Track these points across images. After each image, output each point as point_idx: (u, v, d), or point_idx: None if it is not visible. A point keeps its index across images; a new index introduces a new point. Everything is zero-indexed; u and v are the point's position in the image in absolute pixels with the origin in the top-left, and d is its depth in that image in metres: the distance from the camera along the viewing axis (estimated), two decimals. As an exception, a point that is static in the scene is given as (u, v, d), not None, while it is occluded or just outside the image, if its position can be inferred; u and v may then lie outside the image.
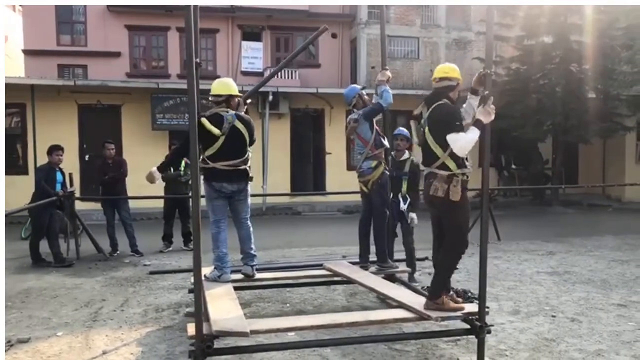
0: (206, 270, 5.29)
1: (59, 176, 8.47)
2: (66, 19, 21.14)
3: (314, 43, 22.89)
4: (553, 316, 5.56)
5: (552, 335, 4.97)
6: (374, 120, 6.04)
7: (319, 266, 6.11)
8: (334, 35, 22.48)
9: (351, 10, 22.33)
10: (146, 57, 21.84)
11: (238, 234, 5.53)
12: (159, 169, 5.41)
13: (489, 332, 4.26)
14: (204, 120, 5.03)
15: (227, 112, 5.18)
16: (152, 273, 7.70)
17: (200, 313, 3.73)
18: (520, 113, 15.33)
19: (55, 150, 8.48)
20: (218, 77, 21.69)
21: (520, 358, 4.43)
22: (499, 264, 8.12)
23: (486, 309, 4.27)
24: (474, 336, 4.25)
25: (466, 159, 4.34)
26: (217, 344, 3.91)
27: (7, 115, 14.53)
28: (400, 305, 4.42)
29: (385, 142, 6.11)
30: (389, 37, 22.09)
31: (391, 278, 5.93)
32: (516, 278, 7.25)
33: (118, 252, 9.22)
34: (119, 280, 7.36)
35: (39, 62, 19.98)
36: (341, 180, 14.74)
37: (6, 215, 7.36)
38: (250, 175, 5.36)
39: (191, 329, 3.76)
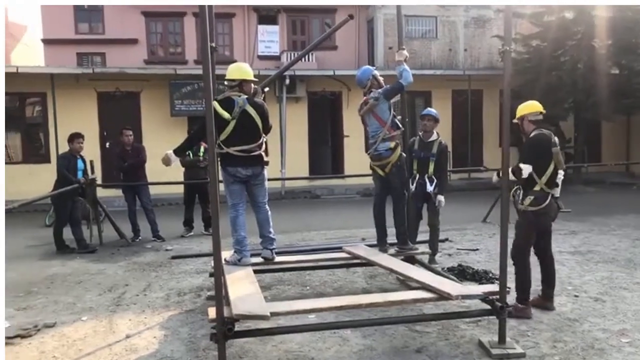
0: (226, 254, 5.32)
1: (80, 164, 8.56)
2: (83, 7, 21.23)
3: (331, 25, 22.73)
4: (576, 296, 5.50)
5: (575, 315, 4.92)
6: (391, 101, 5.98)
7: (338, 249, 6.11)
8: (350, 17, 22.16)
9: (367, -10, 22.06)
10: (163, 44, 21.88)
11: (256, 218, 5.55)
12: (175, 152, 5.42)
13: (510, 313, 4.23)
14: (215, 104, 5.02)
15: (239, 96, 5.16)
16: (173, 258, 7.79)
17: (220, 297, 3.75)
18: (540, 91, 15.07)
19: (76, 137, 8.57)
20: (234, 61, 21.62)
21: (543, 338, 4.40)
22: (520, 244, 8.04)
23: (507, 289, 4.24)
24: (494, 317, 4.23)
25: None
26: (238, 326, 3.95)
27: (28, 104, 14.71)
28: (421, 286, 4.40)
29: (400, 124, 6.04)
30: (405, 17, 21.82)
31: (410, 260, 5.92)
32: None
33: (140, 237, 9.33)
34: (141, 265, 7.46)
35: (57, 51, 20.15)
36: (360, 162, 14.52)
37: (29, 203, 7.49)
38: (266, 159, 5.35)
39: (212, 312, 3.79)
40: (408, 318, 4.51)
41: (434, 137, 6.87)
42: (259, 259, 5.54)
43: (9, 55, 23.49)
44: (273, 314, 3.82)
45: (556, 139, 5.13)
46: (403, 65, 5.95)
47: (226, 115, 5.04)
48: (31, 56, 23.04)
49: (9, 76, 13.65)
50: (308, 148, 15.79)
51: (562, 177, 5.10)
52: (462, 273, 6.29)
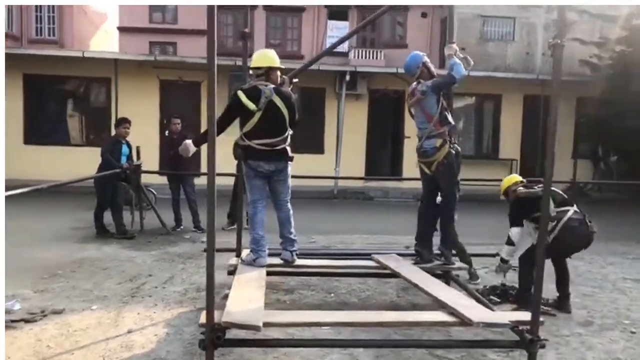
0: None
1: (125, 149, 8.53)
2: (158, -5, 21.72)
3: (402, 23, 22.13)
4: (632, 332, 4.81)
5: (627, 355, 4.26)
6: (441, 94, 5.44)
7: (368, 257, 5.65)
8: (423, 15, 21.60)
9: (443, -12, 21.30)
10: (231, 35, 22.00)
11: (277, 216, 5.20)
12: (195, 143, 5.09)
13: (542, 346, 3.66)
14: (240, 94, 4.71)
15: (266, 85, 4.81)
16: (206, 250, 7.56)
17: (211, 301, 3.44)
18: (623, 99, 13.88)
19: (122, 123, 8.55)
20: (302, 56, 21.51)
21: (583, 380, 3.80)
22: (579, 267, 7.27)
23: (541, 320, 3.67)
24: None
25: None
26: (236, 334, 3.63)
27: (93, 89, 15.08)
28: (443, 306, 3.90)
29: (451, 119, 5.52)
30: (482, 17, 20.91)
31: (448, 274, 5.42)
32: (596, 283, 6.45)
33: (182, 227, 9.23)
34: (172, 255, 7.30)
35: (131, 39, 20.68)
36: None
37: (69, 183, 7.47)
38: (291, 155, 4.98)
39: (203, 317, 3.48)
40: (424, 342, 4.02)
41: None
42: (278, 260, 5.19)
43: (88, 41, 24.43)
44: (266, 325, 3.45)
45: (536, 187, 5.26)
46: (453, 58, 5.42)
47: (252, 106, 4.70)
48: (109, 43, 23.82)
49: (76, 60, 14.05)
50: (366, 147, 15.30)
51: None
52: (504, 294, 5.68)
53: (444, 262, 5.45)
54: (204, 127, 13.72)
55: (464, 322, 3.58)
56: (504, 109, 15.58)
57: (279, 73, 5.03)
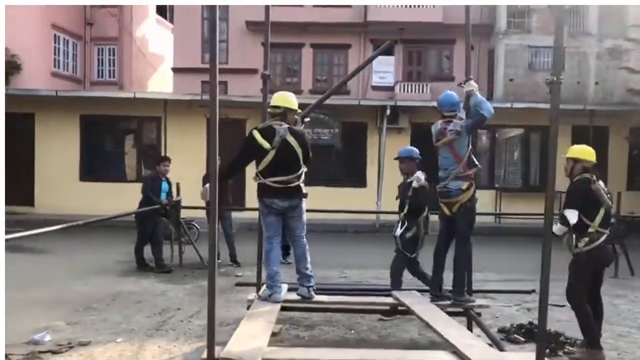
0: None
1: (164, 185, 8.88)
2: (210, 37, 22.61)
3: (449, 56, 22.13)
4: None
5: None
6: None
7: (388, 292, 5.64)
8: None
9: (489, 20, 21.23)
10: (280, 73, 22.58)
11: (294, 252, 5.29)
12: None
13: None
14: (255, 133, 4.89)
15: (281, 125, 4.96)
16: (238, 285, 7.71)
17: (212, 336, 3.55)
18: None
19: (162, 161, 8.94)
20: (348, 92, 21.79)
21: None
22: (619, 305, 6.98)
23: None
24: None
25: None
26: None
27: (145, 127, 15.76)
28: (451, 348, 3.85)
29: (477, 161, 5.50)
30: (530, 48, 20.68)
31: (468, 312, 5.32)
32: (634, 323, 6.16)
33: (219, 261, 9.43)
34: (204, 289, 7.44)
35: (184, 79, 21.55)
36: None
37: (112, 218, 7.83)
38: (305, 192, 5.08)
39: (206, 352, 3.58)
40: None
41: (414, 176, 6.34)
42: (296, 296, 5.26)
43: (146, 82, 25.65)
44: (265, 361, 3.52)
45: (601, 182, 5.02)
46: (477, 95, 5.41)
47: (266, 145, 4.86)
48: (165, 84, 24.90)
49: (129, 101, 14.80)
50: (409, 181, 15.25)
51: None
52: (529, 333, 5.52)
53: (465, 299, 5.36)
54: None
55: (464, 361, 3.52)
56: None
57: (296, 117, 5.18)
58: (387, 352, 4.02)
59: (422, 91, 20.55)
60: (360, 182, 15.31)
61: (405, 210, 6.28)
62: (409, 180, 6.37)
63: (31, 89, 16.19)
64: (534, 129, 15.85)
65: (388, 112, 14.44)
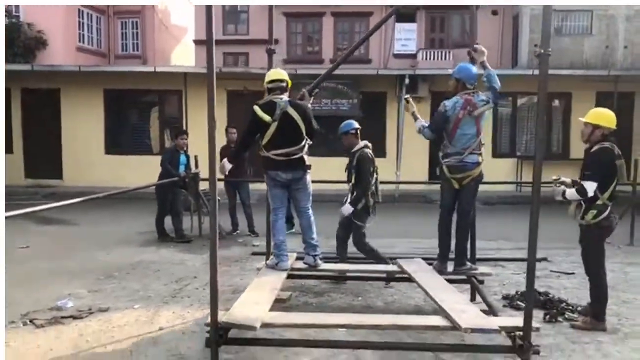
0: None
1: (183, 158, 9.11)
2: (232, 8, 22.62)
3: (472, 21, 21.67)
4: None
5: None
6: None
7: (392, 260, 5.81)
8: (494, 12, 21.09)
9: (514, -15, 20.73)
10: (301, 43, 22.52)
11: (300, 222, 5.47)
12: (230, 160, 5.50)
13: (536, 352, 3.68)
14: (256, 108, 5.04)
15: (281, 98, 5.09)
16: (254, 254, 7.97)
17: (215, 302, 3.75)
18: None
19: (180, 134, 9.16)
20: (370, 60, 21.59)
21: (585, 387, 3.78)
22: (630, 272, 7.01)
23: (535, 327, 3.69)
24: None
25: None
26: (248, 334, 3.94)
27: (166, 101, 16.01)
28: (444, 313, 4.00)
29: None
30: (556, 12, 20.10)
31: (471, 280, 5.47)
32: (641, 290, 6.19)
33: (238, 231, 9.71)
34: (221, 259, 7.51)
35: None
36: (485, 169, 13.88)
37: (132, 190, 8.11)
38: (308, 163, 5.22)
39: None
40: (419, 345, 4.13)
41: (358, 146, 6.32)
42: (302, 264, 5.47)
43: (169, 55, 25.86)
44: (264, 325, 3.73)
45: (618, 151, 4.82)
46: (489, 67, 5.42)
47: (267, 118, 5.01)
48: (188, 56, 25.07)
49: (150, 75, 15.03)
50: (429, 150, 15.22)
51: None
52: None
53: (468, 267, 5.48)
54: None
55: (454, 326, 3.67)
56: (574, 107, 14.95)
57: (303, 90, 5.31)
58: (380, 316, 4.21)
59: (445, 58, 20.31)
60: (380, 152, 15.30)
61: (353, 181, 6.26)
62: (355, 149, 6.34)
63: (55, 64, 16.54)
64: (557, 96, 15.61)
65: (407, 81, 14.36)
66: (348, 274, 5.94)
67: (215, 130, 3.81)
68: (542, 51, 3.54)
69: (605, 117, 4.90)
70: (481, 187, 12.66)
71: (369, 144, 6.39)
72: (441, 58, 20.55)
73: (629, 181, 9.37)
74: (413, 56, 21.25)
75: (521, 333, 3.63)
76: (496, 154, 15.55)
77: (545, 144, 15.56)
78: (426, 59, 20.64)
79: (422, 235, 9.75)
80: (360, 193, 6.19)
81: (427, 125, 5.54)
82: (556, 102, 15.74)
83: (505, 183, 13.44)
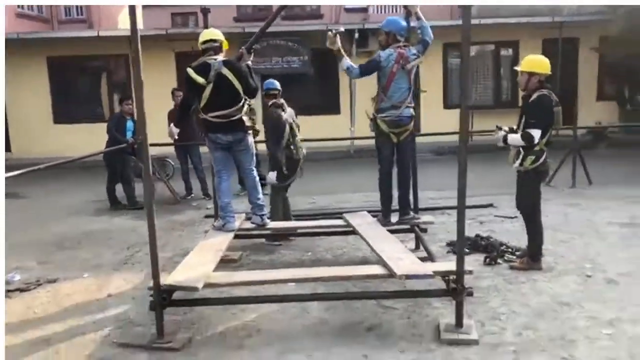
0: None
1: (129, 124, 8.96)
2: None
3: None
4: (588, 276, 4.92)
5: (571, 299, 4.41)
6: None
7: (339, 216, 5.93)
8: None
9: None
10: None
11: (245, 184, 5.51)
12: (175, 124, 5.53)
13: (470, 294, 3.87)
14: (189, 70, 5.00)
15: (215, 59, 5.04)
16: (207, 217, 8.00)
17: (156, 265, 3.80)
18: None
19: (125, 100, 9.00)
20: (321, 16, 21.19)
21: (515, 324, 4.00)
22: (570, 213, 7.32)
23: (467, 271, 3.86)
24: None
25: None
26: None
27: (113, 66, 15.59)
28: (382, 262, 4.14)
29: None
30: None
31: (413, 230, 5.67)
32: (578, 230, 6.48)
33: (192, 195, 9.69)
34: (174, 223, 7.75)
35: (152, 13, 21.00)
36: (437, 119, 14.06)
37: (77, 160, 7.97)
38: (248, 124, 5.22)
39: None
40: (361, 295, 4.31)
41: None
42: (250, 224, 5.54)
43: (117, 17, 24.98)
44: (207, 286, 3.80)
45: (556, 98, 4.96)
46: (423, 18, 5.48)
47: (200, 80, 4.96)
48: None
49: (93, 40, 14.56)
50: (382, 105, 15.33)
51: None
52: (474, 244, 5.86)
53: (410, 217, 5.65)
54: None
55: (390, 274, 3.82)
56: (522, 55, 15.14)
57: (243, 48, 5.23)
58: (322, 269, 4.34)
59: (397, 11, 20.16)
60: (334, 109, 15.37)
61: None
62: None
63: (-6, 32, 15.81)
64: (505, 45, 15.79)
65: (356, 35, 14.27)
66: (300, 231, 6.03)
67: (142, 93, 3.74)
68: (467, 5, 3.58)
69: (539, 64, 5.01)
70: (432, 138, 12.90)
71: (281, 103, 6.32)
72: (393, 11, 20.39)
73: (571, 127, 9.69)
74: (365, 10, 21.06)
75: (455, 277, 3.78)
76: (447, 105, 15.76)
77: (495, 92, 15.89)
78: (378, 12, 20.49)
79: (376, 188, 9.93)
80: (273, 153, 6.18)
81: (355, 66, 5.50)
82: (509, 51, 15.91)
83: (455, 133, 13.62)
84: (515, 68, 5.26)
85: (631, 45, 12.64)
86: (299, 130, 6.35)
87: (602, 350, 3.55)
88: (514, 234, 6.33)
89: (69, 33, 15.54)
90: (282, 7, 5.38)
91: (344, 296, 4.17)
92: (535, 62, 5.03)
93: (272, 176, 6.18)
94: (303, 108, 14.91)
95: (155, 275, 3.78)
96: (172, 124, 5.55)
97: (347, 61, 5.45)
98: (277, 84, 6.42)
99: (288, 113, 6.26)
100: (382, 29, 5.53)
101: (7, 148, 15.09)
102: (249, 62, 5.34)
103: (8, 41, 14.33)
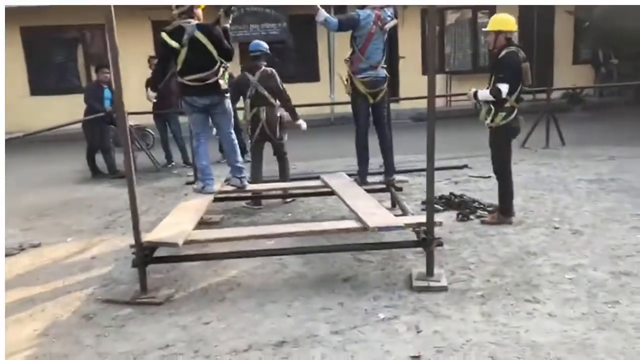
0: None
1: (107, 93, 8.93)
2: None
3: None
4: (556, 228, 5.14)
5: (537, 249, 4.62)
6: None
7: (317, 178, 6.07)
8: None
9: None
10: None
11: (223, 147, 5.61)
12: (152, 88, 5.60)
13: (439, 244, 4.05)
14: (163, 35, 5.04)
15: (189, 23, 5.08)
16: (187, 183, 8.08)
17: (137, 224, 3.91)
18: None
19: (100, 68, 8.96)
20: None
21: (483, 272, 4.20)
22: (541, 172, 7.54)
23: (438, 221, 4.04)
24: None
25: None
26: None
27: (90, 36, 15.38)
28: (356, 217, 4.30)
29: None
30: None
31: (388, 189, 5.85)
32: (548, 187, 6.71)
33: (173, 163, 9.75)
34: (155, 190, 7.84)
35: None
36: (415, 85, 14.06)
37: (55, 128, 7.99)
38: (224, 87, 5.28)
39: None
40: (337, 247, 4.48)
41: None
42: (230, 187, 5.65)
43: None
44: (187, 242, 3.93)
45: (523, 54, 5.11)
46: None
47: (174, 44, 5.00)
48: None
49: (69, 9, 14.33)
50: (362, 71, 15.36)
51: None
52: (448, 202, 6.06)
53: (386, 178, 5.84)
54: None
55: (364, 227, 3.97)
56: (499, 19, 15.27)
57: (200, 11, 5.25)
58: (298, 224, 4.50)
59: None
60: (313, 76, 15.36)
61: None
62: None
63: (-36, 3, 15.48)
64: (481, 9, 15.83)
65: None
66: (277, 193, 6.17)
67: (118, 60, 3.79)
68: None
69: (504, 22, 5.14)
70: (412, 103, 12.96)
71: (253, 66, 6.44)
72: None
73: (545, 89, 9.88)
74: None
75: (425, 228, 3.95)
76: (425, 71, 15.79)
77: (473, 57, 15.99)
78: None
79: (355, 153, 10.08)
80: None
81: (334, 18, 5.56)
82: (487, 19, 15.97)
83: (435, 97, 13.77)
84: (483, 29, 5.41)
85: (606, 8, 12.81)
86: (279, 95, 6.40)
87: (564, 292, 3.76)
88: (487, 192, 6.52)
89: (40, 2, 15.22)
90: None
91: (320, 249, 4.32)
92: (500, 21, 5.16)
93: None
94: (282, 76, 14.85)
95: (137, 233, 3.89)
96: (149, 88, 5.64)
97: (324, 13, 5.46)
98: (261, 45, 6.48)
99: (256, 77, 6.29)
100: None
101: (-16, 121, 14.92)
102: (227, 25, 5.37)
103: (-21, 12, 14.06)
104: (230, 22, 5.46)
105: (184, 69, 5.07)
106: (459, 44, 15.83)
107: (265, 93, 6.25)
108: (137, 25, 14.31)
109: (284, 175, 6.61)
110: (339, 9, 12.98)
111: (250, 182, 5.90)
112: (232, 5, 5.59)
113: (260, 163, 6.54)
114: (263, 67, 6.36)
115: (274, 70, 6.41)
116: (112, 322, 3.70)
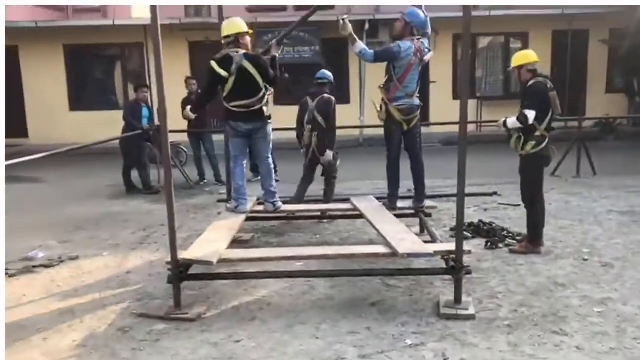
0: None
1: (145, 111, 9.24)
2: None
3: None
4: (585, 259, 5.13)
5: (566, 280, 4.63)
6: None
7: (347, 201, 6.17)
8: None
9: None
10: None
11: (260, 171, 5.78)
12: (192, 110, 5.84)
13: (468, 272, 4.10)
14: (213, 64, 5.24)
15: (237, 52, 5.28)
16: (219, 201, 8.27)
17: (174, 241, 4.06)
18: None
19: (140, 87, 9.27)
20: (333, 6, 21.38)
21: (511, 301, 4.23)
22: (571, 201, 7.51)
23: (467, 250, 4.09)
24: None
25: None
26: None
27: (129, 55, 15.86)
28: (385, 242, 4.38)
29: None
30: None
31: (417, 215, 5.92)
32: (578, 217, 6.69)
33: (205, 181, 9.97)
34: (188, 206, 8.03)
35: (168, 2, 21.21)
36: (445, 110, 14.20)
37: (95, 145, 8.26)
38: (268, 114, 5.47)
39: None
40: (366, 272, 4.55)
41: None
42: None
43: (129, 7, 25.22)
44: (222, 261, 4.06)
45: (551, 84, 5.27)
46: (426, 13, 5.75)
47: (223, 73, 5.21)
48: (144, 8, 24.52)
49: (109, 28, 14.84)
50: (392, 95, 15.50)
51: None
52: (477, 230, 6.09)
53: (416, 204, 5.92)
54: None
55: (394, 253, 4.05)
56: (532, 47, 15.25)
57: (248, 38, 5.47)
58: (327, 247, 4.59)
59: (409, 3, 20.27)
60: (344, 98, 15.54)
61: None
62: None
63: (12, 21, 16.14)
64: (515, 36, 15.88)
65: (367, 26, 14.43)
66: (307, 215, 6.30)
67: (163, 85, 3.98)
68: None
69: (523, 56, 5.43)
70: (443, 128, 13.02)
71: (313, 92, 6.81)
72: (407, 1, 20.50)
73: (577, 118, 9.84)
74: (282, 9, 21.08)
75: (454, 256, 4.01)
76: (456, 96, 15.86)
77: (504, 83, 16.00)
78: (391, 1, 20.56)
79: (384, 177, 10.15)
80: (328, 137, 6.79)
81: (370, 49, 5.69)
82: (519, 44, 16.00)
83: (456, 123, 13.80)
84: (508, 69, 5.59)
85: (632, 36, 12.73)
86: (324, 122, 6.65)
87: (592, 326, 3.77)
88: (516, 220, 6.54)
89: (85, 22, 15.81)
90: (318, 7, 5.64)
91: (349, 273, 4.41)
92: (519, 57, 5.44)
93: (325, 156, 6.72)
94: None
95: (174, 250, 4.03)
96: (188, 107, 5.88)
97: (360, 44, 5.60)
98: (327, 74, 6.95)
99: (315, 102, 6.68)
100: (405, 19, 5.66)
101: (25, 134, 15.46)
102: (276, 54, 5.57)
103: (26, 30, 14.70)
104: (280, 52, 5.68)
105: (231, 95, 5.28)
106: (491, 68, 15.86)
107: (319, 119, 6.54)
108: (174, 45, 14.72)
109: (326, 197, 6.87)
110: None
111: (291, 199, 6.17)
112: (284, 36, 5.80)
113: (307, 184, 6.84)
114: (324, 95, 6.65)
115: (332, 98, 6.74)
116: (147, 336, 3.84)
